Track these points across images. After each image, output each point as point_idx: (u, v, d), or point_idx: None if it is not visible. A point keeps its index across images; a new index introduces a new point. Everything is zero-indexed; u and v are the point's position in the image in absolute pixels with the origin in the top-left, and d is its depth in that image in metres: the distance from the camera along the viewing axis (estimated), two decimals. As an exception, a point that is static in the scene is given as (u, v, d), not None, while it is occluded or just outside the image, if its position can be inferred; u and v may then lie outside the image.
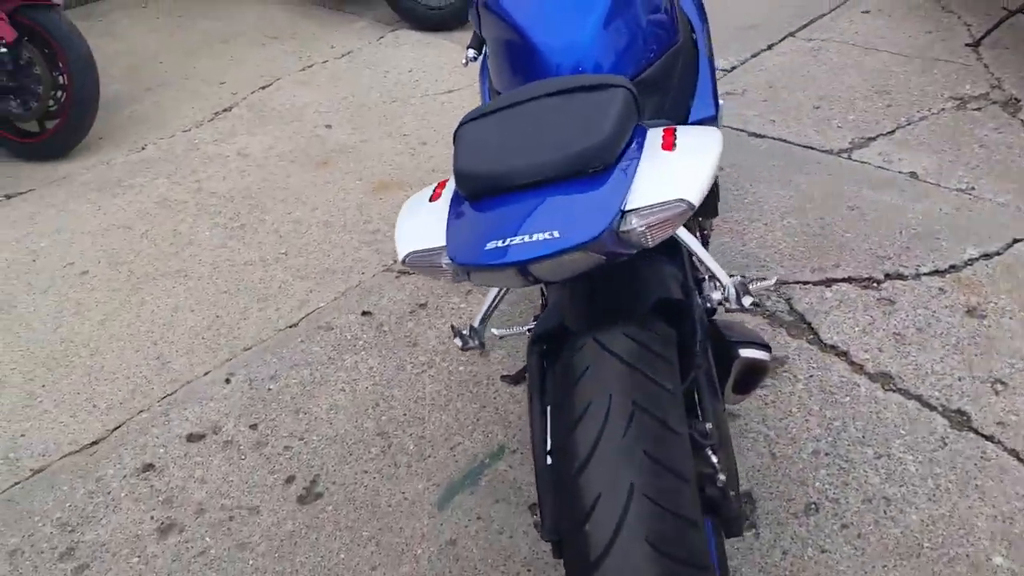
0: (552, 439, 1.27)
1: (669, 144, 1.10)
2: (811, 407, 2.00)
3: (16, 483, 2.04)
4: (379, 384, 2.22)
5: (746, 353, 1.51)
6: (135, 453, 2.09)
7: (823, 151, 3.00)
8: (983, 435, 1.87)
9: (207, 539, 1.85)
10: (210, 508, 1.92)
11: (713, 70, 1.96)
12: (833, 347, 2.17)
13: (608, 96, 1.13)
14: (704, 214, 1.89)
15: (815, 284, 2.39)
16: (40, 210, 3.14)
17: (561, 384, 1.26)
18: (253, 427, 2.13)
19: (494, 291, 1.48)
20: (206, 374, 2.31)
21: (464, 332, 1.36)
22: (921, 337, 2.15)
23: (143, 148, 3.54)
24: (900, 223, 2.57)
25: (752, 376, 1.54)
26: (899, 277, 2.36)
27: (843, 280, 2.39)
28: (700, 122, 1.86)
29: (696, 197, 1.01)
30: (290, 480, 1.97)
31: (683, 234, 1.36)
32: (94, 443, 2.13)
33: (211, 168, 3.37)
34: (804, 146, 3.04)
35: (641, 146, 1.10)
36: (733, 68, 3.68)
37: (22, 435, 2.18)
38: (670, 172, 1.03)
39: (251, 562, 1.79)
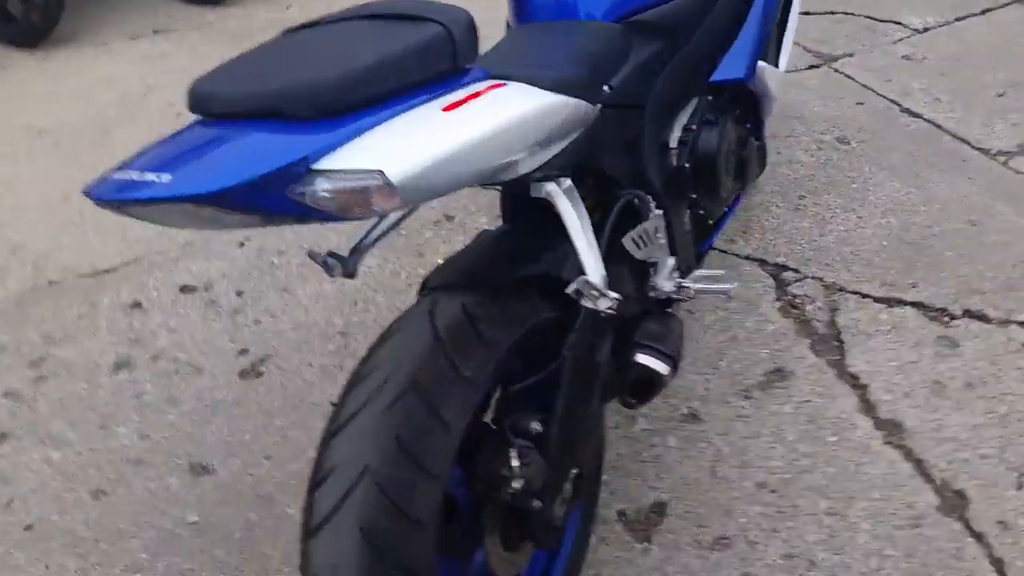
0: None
1: (455, 104, 0.88)
2: (785, 435, 1.70)
3: (32, 288, 2.24)
4: (368, 285, 2.17)
5: (641, 359, 1.29)
6: (132, 289, 2.20)
7: (977, 148, 2.47)
8: (972, 530, 1.51)
9: (147, 385, 1.93)
10: (164, 357, 2.00)
11: (769, 23, 1.63)
12: (853, 376, 1.82)
13: (409, 31, 0.91)
14: (709, 188, 1.58)
15: (875, 300, 2.01)
16: (173, 50, 3.34)
17: (379, 337, 1.14)
18: (239, 294, 2.17)
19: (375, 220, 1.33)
20: (228, 232, 2.38)
21: (327, 259, 1.23)
22: (966, 395, 1.75)
23: (288, 8, 3.64)
24: (1020, 254, 2.08)
25: (644, 386, 1.32)
26: (979, 318, 1.92)
27: (911, 304, 1.98)
28: (724, 84, 1.57)
29: (398, 174, 0.79)
30: (243, 352, 2.00)
31: (563, 207, 1.14)
32: (105, 271, 2.27)
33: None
34: (958, 138, 2.52)
35: (419, 100, 0.88)
36: (926, 30, 3.11)
37: (59, 248, 2.37)
38: (394, 136, 0.82)
39: (171, 417, 1.85)
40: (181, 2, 3.71)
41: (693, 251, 1.58)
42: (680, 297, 1.41)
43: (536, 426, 1.15)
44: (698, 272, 1.49)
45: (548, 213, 1.41)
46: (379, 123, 0.82)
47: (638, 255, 1.32)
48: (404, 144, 0.82)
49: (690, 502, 1.60)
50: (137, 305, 2.15)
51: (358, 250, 1.22)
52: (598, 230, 1.23)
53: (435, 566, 1.02)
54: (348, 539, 0.97)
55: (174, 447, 1.78)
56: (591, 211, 1.33)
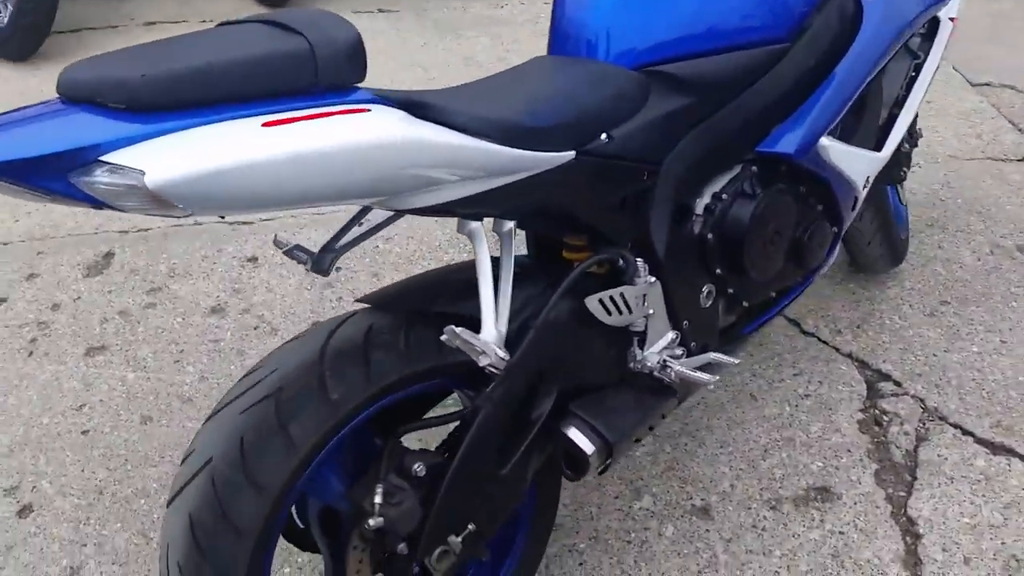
0: None
1: (279, 122, 0.84)
2: (798, 564, 1.50)
3: (177, 225, 2.51)
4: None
5: (568, 431, 1.20)
6: (256, 245, 2.39)
7: None
8: None
9: (228, 333, 2.10)
10: (252, 312, 2.16)
11: (844, 98, 1.43)
12: (911, 520, 1.57)
13: (278, 40, 0.87)
14: (737, 268, 1.41)
15: (977, 441, 1.71)
16: (385, 28, 3.55)
17: (294, 336, 1.18)
18: (337, 270, 2.29)
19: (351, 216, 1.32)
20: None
21: (294, 250, 1.25)
22: (1038, 582, 1.45)
23: (502, 7, 3.73)
24: None
25: (571, 462, 1.22)
26: (1100, 497, 1.57)
27: (1020, 457, 1.67)
28: (765, 157, 1.39)
29: (160, 179, 0.76)
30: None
31: (478, 249, 1.08)
32: (242, 223, 2.50)
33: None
34: None
35: (254, 110, 0.84)
36: None
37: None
38: (189, 142, 0.80)
39: (232, 367, 2.00)
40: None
41: (715, 331, 1.43)
42: (663, 377, 1.29)
43: (419, 469, 1.11)
44: (706, 355, 1.35)
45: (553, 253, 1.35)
46: (198, 126, 0.81)
47: (605, 319, 1.21)
48: (188, 151, 0.79)
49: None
50: (253, 259, 2.34)
51: (328, 250, 1.22)
52: (554, 284, 1.16)
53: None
54: (181, 523, 1.03)
55: (221, 394, 1.93)
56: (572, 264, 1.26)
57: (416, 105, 0.96)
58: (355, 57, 0.91)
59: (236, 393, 1.08)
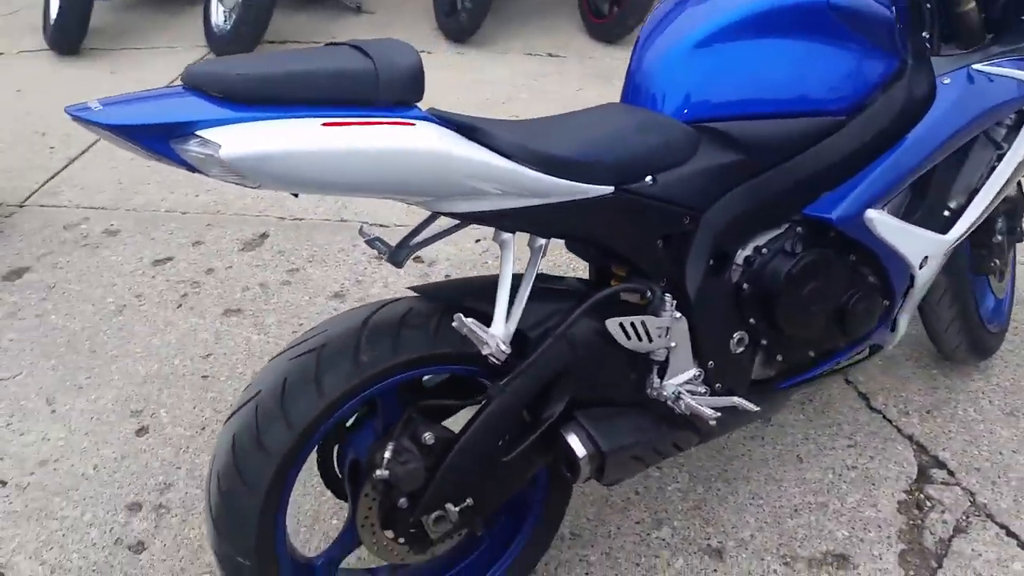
0: None
1: (338, 123, 1.04)
2: (793, 617, 1.55)
3: (329, 220, 2.84)
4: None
5: (566, 433, 1.34)
6: (382, 244, 2.68)
7: None
8: None
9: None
10: (366, 302, 2.43)
11: (902, 175, 1.51)
12: (923, 605, 1.56)
13: (350, 59, 1.08)
14: (768, 322, 1.49)
15: (1020, 544, 1.66)
16: (552, 72, 3.79)
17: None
18: (446, 276, 2.52)
19: (425, 216, 1.44)
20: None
21: (375, 241, 1.46)
22: None
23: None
24: None
25: (568, 464, 1.36)
26: None
27: (1062, 569, 1.61)
28: (810, 219, 1.47)
29: (231, 153, 0.98)
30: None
31: (504, 257, 1.25)
32: (396, 225, 2.79)
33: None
34: None
35: (319, 113, 1.06)
36: None
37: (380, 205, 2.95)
38: (262, 128, 1.01)
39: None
40: (588, 37, 4.20)
41: (744, 378, 1.51)
42: (675, 408, 1.39)
43: (429, 438, 1.29)
44: (728, 398, 1.45)
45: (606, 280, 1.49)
46: (271, 119, 1.02)
47: (624, 342, 1.34)
48: (257, 136, 1.00)
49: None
50: (379, 259, 2.63)
51: (403, 246, 1.43)
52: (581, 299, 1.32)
53: (266, 528, 1.27)
54: (227, 440, 1.27)
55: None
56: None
57: (468, 128, 1.16)
58: (413, 80, 1.11)
59: (293, 343, 1.31)
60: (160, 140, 1.00)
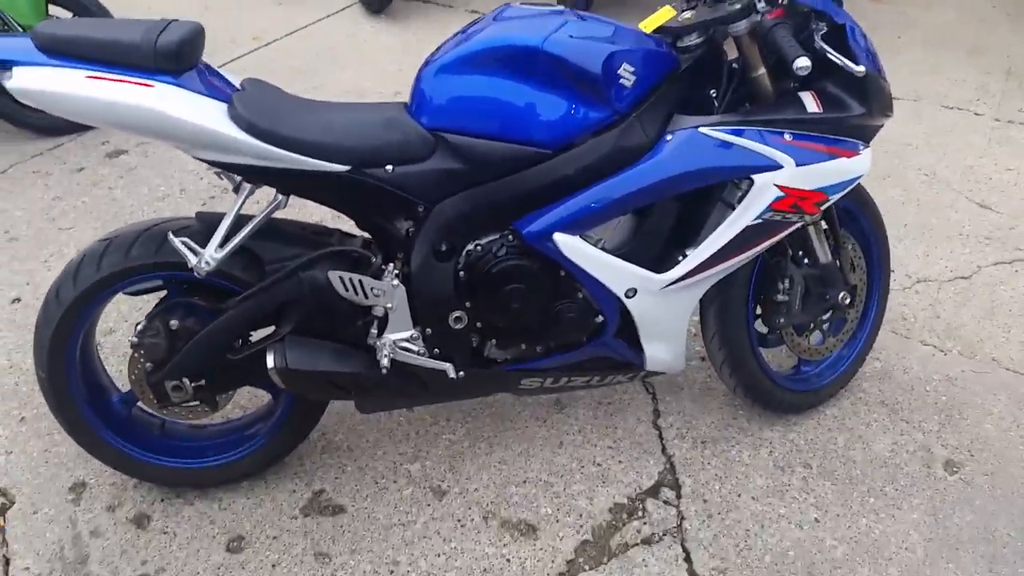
0: None
1: (97, 77, 1.49)
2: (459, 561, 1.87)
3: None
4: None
5: (268, 349, 1.78)
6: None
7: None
8: None
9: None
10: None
11: (607, 210, 1.74)
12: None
13: (146, 31, 1.54)
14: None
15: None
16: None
17: None
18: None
19: (231, 216, 1.71)
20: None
21: (192, 246, 1.70)
22: None
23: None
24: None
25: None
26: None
27: (702, 598, 1.78)
28: (515, 230, 1.75)
29: (13, 85, 1.49)
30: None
31: (238, 202, 1.70)
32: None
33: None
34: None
35: (95, 68, 1.51)
36: None
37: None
38: (44, 69, 1.50)
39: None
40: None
41: (463, 350, 1.85)
42: (380, 357, 1.78)
43: (174, 324, 1.77)
44: (432, 360, 1.81)
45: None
46: (55, 67, 1.51)
47: (342, 293, 1.71)
48: (41, 77, 1.50)
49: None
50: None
51: (220, 248, 1.71)
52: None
53: (56, 352, 1.80)
54: (51, 287, 1.82)
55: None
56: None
57: (224, 98, 1.60)
58: (180, 53, 1.55)
59: (112, 235, 1.81)
60: None
